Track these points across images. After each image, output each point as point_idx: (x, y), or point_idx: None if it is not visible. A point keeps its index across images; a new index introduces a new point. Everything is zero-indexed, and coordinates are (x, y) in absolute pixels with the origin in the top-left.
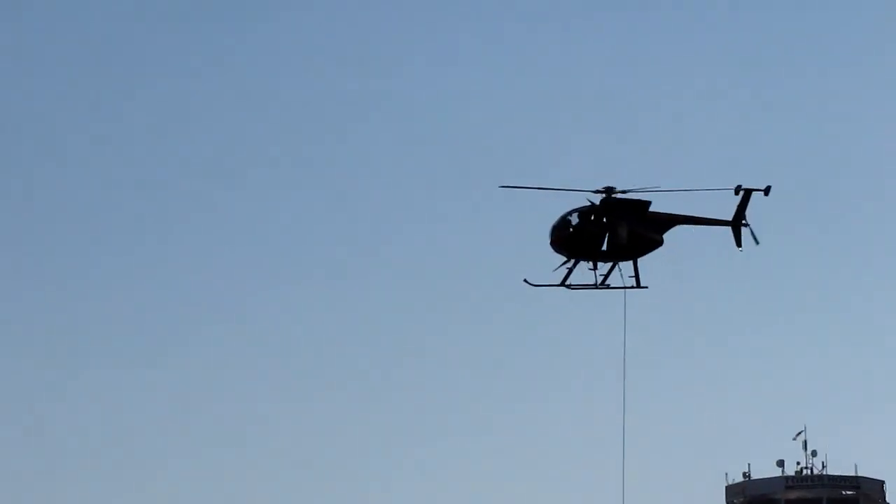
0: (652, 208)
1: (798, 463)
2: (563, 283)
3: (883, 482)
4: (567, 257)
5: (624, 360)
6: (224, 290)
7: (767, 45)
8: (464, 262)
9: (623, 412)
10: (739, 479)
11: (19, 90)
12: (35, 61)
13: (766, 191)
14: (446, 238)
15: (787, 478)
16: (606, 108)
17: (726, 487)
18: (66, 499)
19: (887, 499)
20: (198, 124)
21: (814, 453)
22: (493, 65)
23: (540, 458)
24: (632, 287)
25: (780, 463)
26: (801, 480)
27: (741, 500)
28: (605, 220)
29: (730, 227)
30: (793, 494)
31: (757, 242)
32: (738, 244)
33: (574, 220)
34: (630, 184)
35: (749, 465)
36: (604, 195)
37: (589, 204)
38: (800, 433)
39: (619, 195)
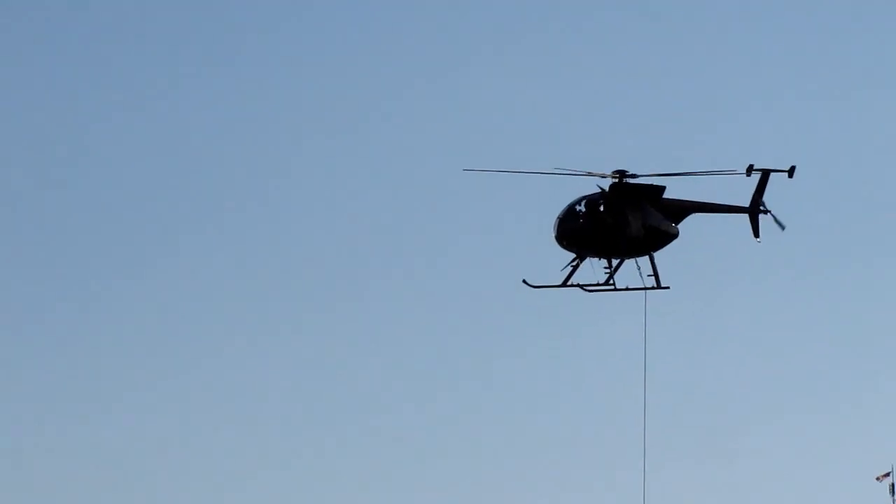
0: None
1: None
2: (565, 284)
3: None
4: (575, 253)
5: (644, 365)
6: (224, 289)
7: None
8: (463, 262)
9: (644, 420)
10: None
11: (20, 90)
12: (36, 61)
13: (791, 172)
14: (447, 238)
15: None
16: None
17: None
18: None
19: None
20: (198, 124)
21: None
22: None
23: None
24: (653, 288)
25: None
26: None
27: None
28: (617, 208)
29: (747, 215)
30: None
31: (783, 228)
32: (756, 234)
33: (582, 209)
34: (636, 168)
35: None
36: (616, 180)
37: (599, 190)
38: (887, 474)
39: (630, 180)
